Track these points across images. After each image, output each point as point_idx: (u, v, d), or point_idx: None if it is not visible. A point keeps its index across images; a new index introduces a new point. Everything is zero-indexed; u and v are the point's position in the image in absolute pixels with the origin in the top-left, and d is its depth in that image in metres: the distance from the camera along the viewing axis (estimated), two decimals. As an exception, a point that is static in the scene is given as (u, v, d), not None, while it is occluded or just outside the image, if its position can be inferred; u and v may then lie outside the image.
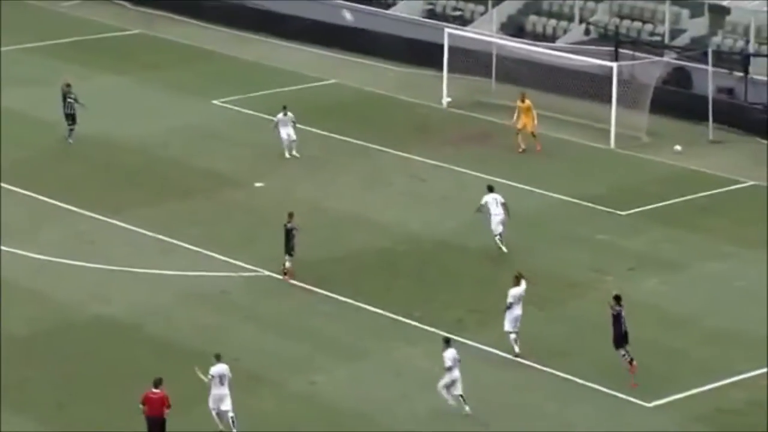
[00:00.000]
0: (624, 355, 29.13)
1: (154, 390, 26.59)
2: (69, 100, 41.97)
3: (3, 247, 35.12)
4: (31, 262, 34.54)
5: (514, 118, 41.58)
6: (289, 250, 33.50)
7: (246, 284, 33.57)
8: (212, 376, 27.39)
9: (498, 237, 35.02)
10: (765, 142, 43.09)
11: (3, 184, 39.31)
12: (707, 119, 43.60)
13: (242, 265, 34.42)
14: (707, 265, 34.84)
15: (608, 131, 42.83)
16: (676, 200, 38.84)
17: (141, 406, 26.42)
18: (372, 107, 45.89)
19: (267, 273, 34.07)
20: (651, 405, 28.65)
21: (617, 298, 29.34)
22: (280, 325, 31.58)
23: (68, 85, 42.21)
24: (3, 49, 50.14)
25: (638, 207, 38.34)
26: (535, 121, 41.47)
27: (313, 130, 43.64)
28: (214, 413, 27.45)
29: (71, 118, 41.94)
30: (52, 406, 28.27)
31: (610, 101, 42.83)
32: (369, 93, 47.01)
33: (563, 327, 31.71)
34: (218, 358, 27.58)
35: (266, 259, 34.46)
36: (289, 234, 33.54)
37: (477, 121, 42.04)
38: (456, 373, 27.92)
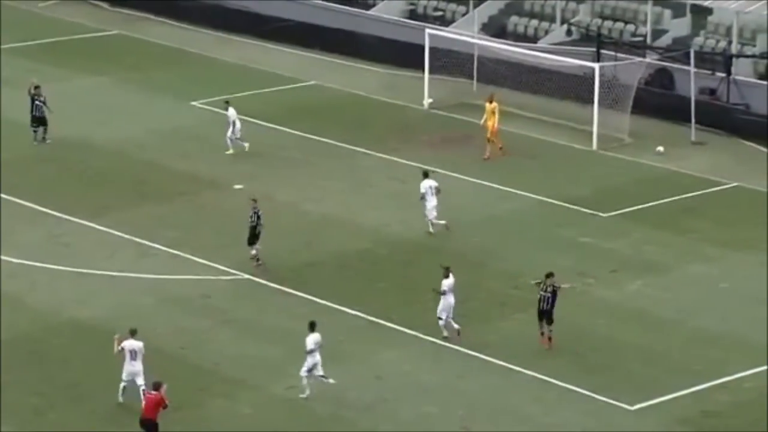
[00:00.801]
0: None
1: (152, 392, 26.49)
2: (37, 102, 41.52)
3: (-23, 250, 34.90)
4: (6, 266, 34.26)
5: (483, 119, 41.31)
6: (254, 239, 33.46)
7: (225, 288, 33.42)
8: (122, 348, 27.56)
9: (430, 221, 35.54)
10: (747, 143, 43.12)
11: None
12: (690, 120, 43.61)
13: (222, 268, 34.25)
14: (691, 266, 34.80)
15: (590, 132, 42.80)
16: (659, 202, 38.81)
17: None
18: (353, 108, 45.79)
19: (247, 276, 33.89)
20: (634, 408, 28.57)
21: (549, 276, 29.99)
22: (259, 329, 31.43)
23: (36, 87, 41.81)
24: (-22, 50, 49.86)
25: (621, 209, 38.30)
26: (496, 125, 40.84)
27: (294, 131, 43.52)
28: (122, 385, 27.63)
29: (39, 120, 41.42)
30: (29, 410, 28.04)
31: (592, 102, 42.80)
32: (349, 94, 46.91)
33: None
34: (133, 334, 27.65)
35: (246, 263, 34.28)
36: (257, 221, 33.37)
37: (458, 122, 41.95)
38: (317, 357, 28.28)
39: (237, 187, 38.97)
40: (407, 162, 41.22)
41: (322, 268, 34.44)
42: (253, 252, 33.95)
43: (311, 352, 28.29)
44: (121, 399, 28.03)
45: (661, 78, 45.77)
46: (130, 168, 40.69)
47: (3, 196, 38.58)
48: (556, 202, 38.66)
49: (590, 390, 29.04)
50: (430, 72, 45.56)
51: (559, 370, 29.72)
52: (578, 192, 39.27)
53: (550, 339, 30.42)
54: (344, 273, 34.23)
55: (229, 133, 41.42)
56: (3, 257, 34.61)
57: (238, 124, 41.45)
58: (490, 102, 41.20)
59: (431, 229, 35.83)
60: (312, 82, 47.96)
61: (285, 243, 35.75)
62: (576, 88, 44.08)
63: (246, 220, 34.17)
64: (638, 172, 41.03)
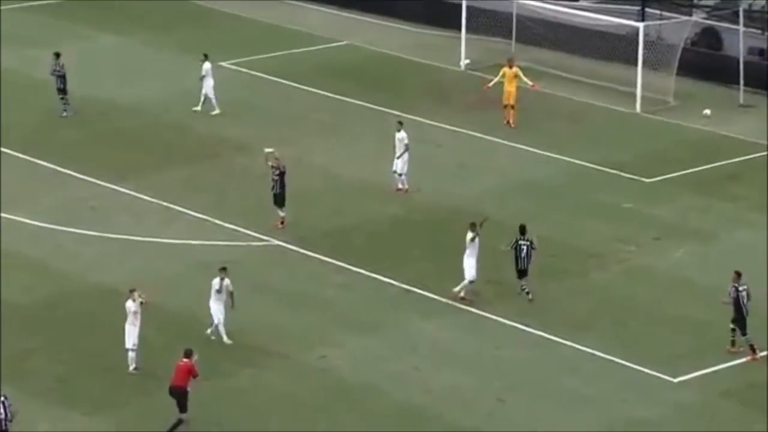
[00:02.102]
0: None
1: (183, 359, 26.80)
2: (57, 72, 41.29)
3: (3, 214, 35.11)
4: (30, 229, 34.54)
5: (491, 83, 40.95)
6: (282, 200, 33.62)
7: (254, 254, 33.53)
8: (143, 302, 28.10)
9: (399, 175, 35.77)
10: (798, 106, 42.83)
11: (3, 149, 39.25)
12: (738, 82, 43.33)
13: (251, 234, 34.39)
14: (736, 234, 34.68)
15: (634, 95, 42.61)
16: (705, 167, 38.65)
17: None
18: (387, 69, 45.74)
19: (276, 242, 34.03)
20: (677, 380, 28.59)
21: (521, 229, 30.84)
22: (289, 297, 31.57)
23: (57, 56, 41.74)
24: (2, 7, 50.03)
25: (664, 174, 38.17)
26: (514, 93, 40.19)
27: (326, 93, 43.54)
28: (132, 354, 28.01)
29: (61, 91, 41.38)
30: (52, 378, 28.31)
31: (635, 63, 42.59)
32: (383, 54, 46.85)
33: (585, 300, 31.63)
34: (132, 293, 28.08)
35: (276, 228, 34.40)
36: (281, 178, 33.48)
37: (497, 84, 41.81)
38: (214, 303, 28.83)
39: (267, 150, 39.01)
40: (442, 125, 41.19)
41: (354, 234, 34.52)
42: (282, 214, 34.07)
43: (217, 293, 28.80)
44: (132, 367, 28.22)
45: (708, 38, 45.44)
46: (156, 130, 40.84)
47: (27, 158, 38.84)
48: (597, 167, 38.56)
49: (631, 361, 29.07)
50: (467, 32, 45.43)
51: (599, 341, 29.75)
52: (620, 156, 39.15)
53: (528, 292, 30.80)
54: (377, 239, 34.31)
55: (203, 90, 41.14)
56: (26, 220, 34.88)
57: (211, 81, 41.15)
58: (510, 66, 40.91)
59: (403, 186, 36.06)
60: (344, 42, 47.93)
61: (315, 208, 35.85)
62: (619, 48, 43.85)
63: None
64: (683, 136, 40.85)
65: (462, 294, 30.96)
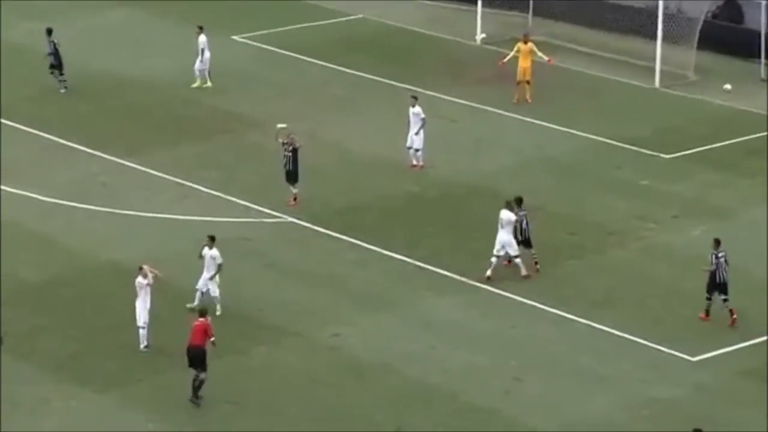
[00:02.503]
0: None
1: (199, 319, 27.06)
2: (51, 47, 41.21)
3: (11, 189, 35.28)
4: (41, 205, 34.69)
5: (506, 58, 40.90)
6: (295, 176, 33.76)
7: (268, 231, 33.67)
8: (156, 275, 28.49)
9: (416, 151, 35.79)
10: (821, 81, 42.72)
11: (11, 123, 39.41)
12: (759, 56, 43.22)
13: (264, 211, 34.49)
14: (756, 211, 34.68)
15: (653, 69, 42.55)
16: (725, 143, 38.62)
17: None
18: (401, 44, 45.72)
19: (289, 219, 34.13)
20: (695, 359, 28.68)
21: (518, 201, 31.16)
22: (303, 274, 31.69)
23: (50, 32, 41.66)
24: (10, -20, 50.11)
25: (684, 150, 38.16)
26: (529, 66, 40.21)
27: (340, 67, 43.52)
28: (143, 332, 28.24)
29: (56, 67, 41.27)
30: (65, 356, 28.53)
31: (655, 36, 42.51)
32: (398, 29, 46.81)
33: (603, 278, 31.71)
34: (141, 269, 28.29)
35: (289, 205, 34.50)
36: (294, 155, 33.52)
37: (513, 58, 41.75)
38: (210, 273, 29.13)
39: (280, 125, 39.05)
40: (458, 100, 41.18)
41: (368, 211, 34.61)
42: (295, 191, 34.20)
43: (208, 266, 29.10)
44: (143, 345, 28.46)
45: (730, 10, 45.30)
46: (168, 105, 40.92)
47: (37, 133, 38.97)
48: (615, 142, 38.56)
49: (649, 340, 29.16)
50: (483, 5, 45.35)
51: (617, 319, 29.83)
52: (639, 132, 39.12)
53: (536, 263, 30.98)
54: (391, 216, 34.39)
55: (197, 64, 41.19)
56: (37, 196, 35.03)
57: (207, 54, 41.24)
58: (526, 42, 40.85)
59: (418, 162, 36.16)
60: (359, 16, 47.91)
61: (329, 185, 35.95)
62: (638, 21, 43.75)
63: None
64: (703, 112, 40.81)
65: (489, 274, 30.98)
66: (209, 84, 41.49)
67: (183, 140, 38.54)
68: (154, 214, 34.29)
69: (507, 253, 31.07)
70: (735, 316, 29.39)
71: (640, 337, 29.27)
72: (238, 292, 30.68)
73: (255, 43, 45.54)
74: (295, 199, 34.54)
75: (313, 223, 33.92)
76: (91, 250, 32.52)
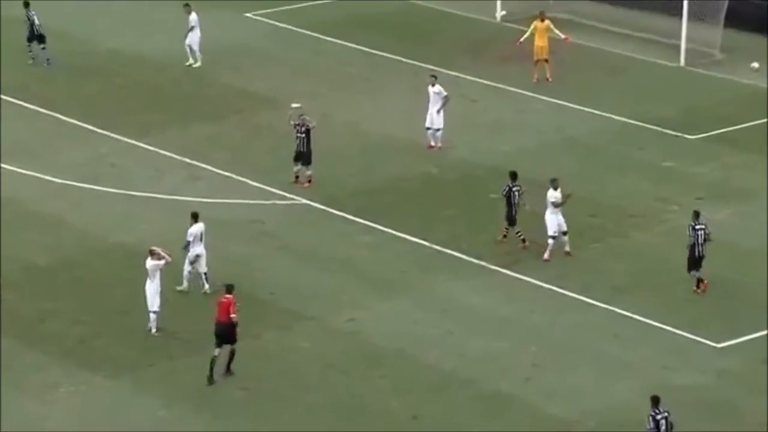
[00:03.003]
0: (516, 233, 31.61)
1: (226, 296, 27.36)
2: (31, 20, 41.12)
3: (19, 169, 35.37)
4: (49, 186, 34.77)
5: (522, 38, 40.81)
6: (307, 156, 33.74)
7: (281, 213, 33.70)
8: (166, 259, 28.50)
9: (437, 130, 35.90)
10: None
11: (19, 101, 39.50)
12: (788, 34, 43.04)
13: (276, 192, 34.52)
14: (784, 194, 34.60)
15: (678, 47, 42.42)
16: (752, 123, 38.49)
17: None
18: (419, 21, 45.60)
19: (304, 201, 34.16)
20: (720, 346, 28.63)
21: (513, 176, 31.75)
22: (317, 257, 31.71)
23: (27, 5, 41.32)
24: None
25: (709, 131, 38.05)
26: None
27: (355, 46, 43.48)
28: (153, 316, 28.41)
29: (32, 40, 41.13)
30: (73, 340, 28.62)
31: (680, 14, 42.34)
32: (416, 6, 46.69)
33: (625, 262, 31.67)
34: (152, 254, 28.46)
35: (301, 186, 34.51)
36: (307, 136, 33.62)
37: (531, 36, 41.56)
38: (199, 249, 29.09)
39: (294, 105, 39.05)
40: (477, 79, 41.11)
41: (384, 193, 34.60)
42: (296, 169, 34.16)
43: (188, 244, 29.31)
44: (155, 330, 28.59)
45: (758, -13, 45.08)
46: (179, 84, 40.95)
47: (46, 112, 39.05)
48: (638, 123, 38.47)
49: (672, 326, 29.13)
50: (504, -19, 45.30)
51: (639, 305, 29.79)
52: (663, 112, 39.02)
53: (523, 240, 31.39)
54: (408, 199, 34.38)
55: (187, 41, 41.18)
56: (45, 177, 35.12)
57: (198, 33, 41.22)
58: (542, 20, 40.73)
59: (436, 144, 36.27)
60: (375, -8, 47.85)
61: (344, 166, 35.94)
62: (663, -2, 43.62)
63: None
64: (730, 91, 40.65)
65: (547, 256, 31.11)
66: (199, 63, 41.36)
67: (194, 120, 38.57)
68: (164, 196, 34.34)
69: (557, 232, 31.12)
70: (706, 281, 29.82)
71: (663, 323, 29.23)
72: (250, 275, 30.72)
73: (269, 21, 45.50)
74: (309, 181, 34.53)
75: (328, 205, 33.93)
76: (99, 232, 32.60)
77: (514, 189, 31.69)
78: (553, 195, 31.19)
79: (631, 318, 29.48)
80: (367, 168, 35.80)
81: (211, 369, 27.22)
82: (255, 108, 39.33)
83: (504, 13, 45.43)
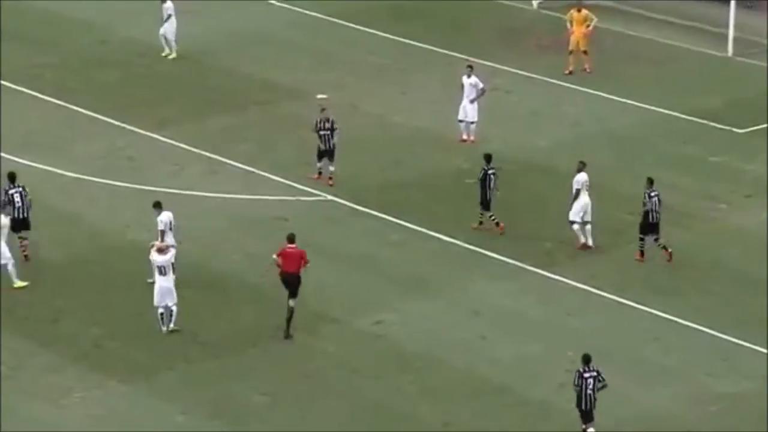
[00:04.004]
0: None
1: (290, 245, 28.00)
2: None
3: (31, 163, 35.59)
4: (63, 181, 34.96)
5: (568, 30, 40.77)
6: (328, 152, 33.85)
7: (305, 210, 33.76)
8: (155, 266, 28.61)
9: (471, 123, 36.02)
10: None
11: (31, 91, 39.72)
12: (842, 22, 42.88)
13: (301, 188, 34.60)
14: (837, 192, 34.49)
15: (725, 36, 42.31)
16: (803, 117, 38.43)
17: (275, 257, 28.54)
18: (452, 9, 45.59)
19: (330, 197, 34.23)
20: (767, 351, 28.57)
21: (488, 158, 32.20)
22: (342, 256, 31.79)
23: None
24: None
25: (759, 124, 37.95)
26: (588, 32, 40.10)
27: (385, 34, 43.53)
28: (158, 312, 28.54)
29: None
30: (87, 341, 28.77)
31: (727, 1, 42.23)
32: (448, -8, 46.86)
33: (667, 261, 31.58)
34: (161, 251, 28.60)
35: (325, 183, 34.61)
36: (332, 132, 33.72)
37: (570, 26, 41.53)
38: (169, 239, 29.38)
39: (320, 96, 39.18)
40: (512, 70, 41.11)
41: (413, 189, 34.65)
42: (319, 165, 34.22)
43: (163, 233, 29.51)
44: (164, 329, 28.74)
45: (810, -27, 44.91)
46: (199, 74, 41.07)
47: (60, 103, 39.25)
48: (683, 115, 38.42)
49: (717, 330, 29.08)
50: (541, -34, 45.33)
51: (682, 307, 29.76)
52: (709, 104, 38.93)
53: (498, 224, 32.07)
54: (438, 195, 34.43)
55: (162, 31, 41.22)
56: (60, 171, 35.31)
57: (174, 23, 41.24)
58: (579, 10, 40.68)
59: (469, 137, 36.47)
60: (406, -22, 47.91)
61: (371, 160, 36.02)
62: (710, -16, 43.51)
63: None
64: (780, 83, 40.59)
65: (589, 242, 31.54)
66: (174, 54, 41.41)
67: (214, 112, 38.68)
68: (183, 191, 34.44)
69: (582, 218, 31.52)
70: (670, 250, 30.77)
71: (707, 327, 29.20)
72: (272, 275, 30.76)
73: (293, 8, 45.57)
74: (330, 178, 34.58)
75: (354, 202, 34.01)
76: (115, 229, 32.77)
77: (489, 172, 32.05)
78: (583, 177, 31.56)
79: (674, 321, 29.46)
80: (395, 162, 35.86)
81: (288, 321, 28.18)
82: (278, 99, 39.42)
83: (541, 0, 45.44)
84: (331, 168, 34.35)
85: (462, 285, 30.74)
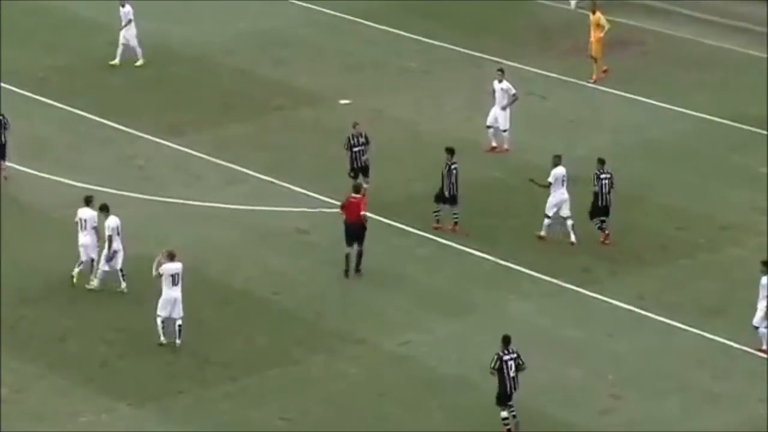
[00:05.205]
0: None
1: (354, 195, 30.06)
2: None
3: (36, 172, 35.56)
4: (69, 191, 34.87)
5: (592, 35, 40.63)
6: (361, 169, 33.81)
7: (327, 222, 33.63)
8: (161, 274, 28.58)
9: (503, 131, 36.20)
10: None
11: (36, 95, 39.73)
12: None
13: (322, 199, 34.49)
14: None
15: (774, 37, 42.23)
16: None
17: (340, 211, 31.10)
18: (483, 8, 45.52)
19: (352, 208, 34.15)
20: (824, 377, 28.29)
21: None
22: (368, 273, 31.63)
23: None
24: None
25: (811, 132, 37.82)
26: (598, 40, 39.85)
27: (410, 35, 43.51)
28: (159, 321, 28.54)
29: None
30: (95, 361, 28.69)
31: (776, 0, 42.10)
32: (479, -10, 46.82)
33: (716, 280, 31.46)
34: (172, 258, 28.66)
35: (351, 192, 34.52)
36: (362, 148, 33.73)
37: (612, 25, 41.48)
38: (116, 244, 30.10)
39: (343, 102, 39.15)
40: (548, 73, 41.03)
41: (444, 200, 34.62)
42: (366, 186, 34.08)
43: (109, 238, 30.09)
44: (163, 339, 28.67)
45: None
46: (215, 77, 41.06)
47: (67, 108, 39.23)
48: (730, 122, 38.25)
49: (770, 353, 28.88)
50: (579, -37, 45.23)
51: (732, 329, 29.55)
52: (758, 110, 38.73)
53: (456, 223, 32.83)
54: (469, 207, 34.25)
55: (121, 39, 40.97)
56: (66, 180, 35.26)
57: (134, 28, 40.93)
58: (593, 12, 40.57)
59: (498, 144, 36.62)
60: (433, -25, 47.86)
61: (398, 169, 35.89)
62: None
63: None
64: (834, 87, 40.36)
65: (572, 238, 32.19)
66: (141, 61, 41.07)
67: (231, 117, 38.64)
68: (198, 202, 34.39)
69: (559, 214, 32.33)
70: (608, 232, 32.02)
71: (759, 350, 28.88)
72: (293, 291, 30.72)
73: (314, 6, 45.59)
74: (364, 195, 34.20)
75: (380, 214, 33.84)
76: (125, 242, 32.59)
77: (452, 166, 32.27)
78: (561, 171, 32.35)
79: (723, 344, 29.25)
80: (424, 172, 35.67)
81: (347, 264, 30.74)
82: (298, 104, 39.40)
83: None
84: (365, 185, 33.95)
85: (495, 303, 30.60)
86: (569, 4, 45.44)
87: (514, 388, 26.25)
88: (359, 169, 34.12)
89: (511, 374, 26.18)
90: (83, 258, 30.82)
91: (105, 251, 30.41)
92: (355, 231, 30.88)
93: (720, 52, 42.54)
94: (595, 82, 40.27)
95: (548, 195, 32.34)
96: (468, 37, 43.17)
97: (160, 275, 28.84)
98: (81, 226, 30.76)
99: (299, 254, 32.40)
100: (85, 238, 30.78)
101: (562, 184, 32.46)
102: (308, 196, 34.79)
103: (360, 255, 30.97)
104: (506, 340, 26.44)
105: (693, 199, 34.40)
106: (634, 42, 42.25)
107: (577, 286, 31.13)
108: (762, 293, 28.94)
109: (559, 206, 32.38)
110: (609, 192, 32.04)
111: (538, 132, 37.70)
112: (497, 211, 34.07)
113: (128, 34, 41.09)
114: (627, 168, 35.57)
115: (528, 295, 30.89)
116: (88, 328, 29.68)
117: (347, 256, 30.96)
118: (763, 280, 28.95)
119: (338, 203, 33.43)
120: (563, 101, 39.80)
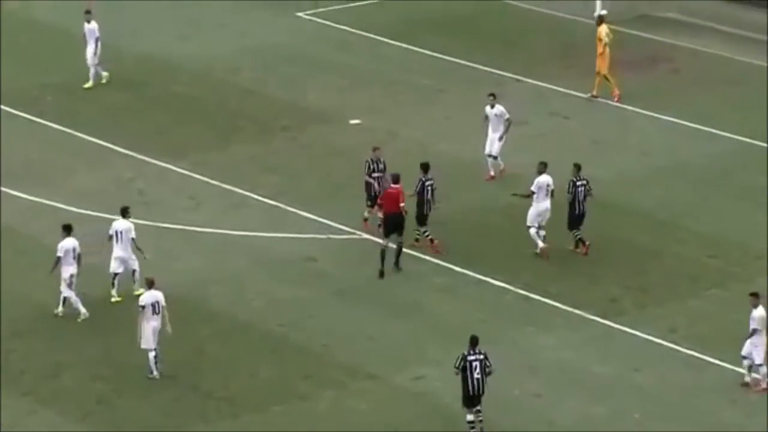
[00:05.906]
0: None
1: (392, 185, 31.37)
2: None
3: (30, 197, 35.55)
4: (65, 216, 34.75)
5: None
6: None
7: (336, 249, 33.55)
8: (143, 307, 28.82)
9: (491, 159, 36.26)
10: None
11: (31, 116, 39.77)
12: None
13: (332, 225, 34.39)
14: None
15: (811, 54, 42.17)
16: None
17: (379, 204, 32.27)
18: (503, 22, 45.56)
19: (364, 236, 33.98)
20: None
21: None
22: (379, 303, 31.57)
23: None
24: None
25: None
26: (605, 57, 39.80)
27: (424, 51, 43.48)
28: (152, 356, 28.68)
29: None
30: (91, 398, 28.57)
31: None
32: (499, 4, 46.67)
33: (750, 311, 31.09)
34: (150, 285, 28.89)
35: (363, 218, 34.38)
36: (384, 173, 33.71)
37: (639, 41, 41.49)
38: (72, 268, 30.14)
39: (353, 122, 39.14)
40: (571, 92, 40.95)
41: (459, 226, 34.44)
42: (366, 215, 33.98)
43: (58, 261, 30.21)
44: (156, 373, 28.67)
45: None
46: (219, 96, 41.05)
47: (62, 128, 39.26)
48: (764, 144, 37.97)
49: (807, 390, 28.66)
50: (603, -24, 45.23)
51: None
52: (795, 132, 38.73)
53: (432, 240, 33.12)
54: (487, 233, 34.23)
55: (89, 57, 40.68)
56: (60, 205, 35.20)
57: (91, 48, 40.66)
58: (598, 25, 40.56)
59: (497, 170, 36.56)
60: (449, -12, 47.91)
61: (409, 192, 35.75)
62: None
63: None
64: None
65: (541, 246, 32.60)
66: (106, 74, 40.84)
67: (236, 139, 38.63)
68: (200, 228, 34.32)
69: (540, 223, 32.73)
70: (588, 243, 32.59)
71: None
72: (300, 322, 30.66)
73: (323, 21, 45.60)
74: (380, 225, 34.02)
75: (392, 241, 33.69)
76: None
77: (427, 184, 32.73)
78: (546, 179, 32.58)
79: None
80: (439, 196, 35.55)
81: (382, 261, 31.34)
82: (307, 124, 39.36)
83: (604, 12, 45.10)
84: (380, 214, 33.75)
85: (515, 336, 30.47)
86: (592, 20, 45.26)
87: (481, 391, 26.57)
88: (377, 196, 33.82)
89: (476, 375, 26.55)
90: (118, 270, 30.96)
91: (63, 276, 30.44)
92: (394, 222, 31.60)
93: (752, 69, 42.46)
94: (618, 101, 40.13)
95: (530, 206, 32.48)
96: (486, 54, 43.15)
97: (142, 308, 28.90)
98: (116, 239, 30.92)
99: (307, 283, 32.31)
100: (121, 252, 30.82)
101: (546, 194, 32.48)
102: (317, 221, 34.69)
103: (400, 249, 31.74)
104: (473, 341, 26.94)
105: (726, 226, 34.27)
106: (663, 59, 42.09)
107: (602, 317, 31.00)
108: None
109: (543, 217, 32.51)
110: (584, 199, 32.38)
111: (560, 153, 37.47)
112: (518, 238, 33.89)
113: (89, 52, 40.81)
114: (655, 192, 35.51)
115: (550, 327, 30.77)
116: (83, 363, 29.55)
117: (382, 253, 31.46)
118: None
119: (347, 230, 33.45)
120: (587, 121, 39.69)
